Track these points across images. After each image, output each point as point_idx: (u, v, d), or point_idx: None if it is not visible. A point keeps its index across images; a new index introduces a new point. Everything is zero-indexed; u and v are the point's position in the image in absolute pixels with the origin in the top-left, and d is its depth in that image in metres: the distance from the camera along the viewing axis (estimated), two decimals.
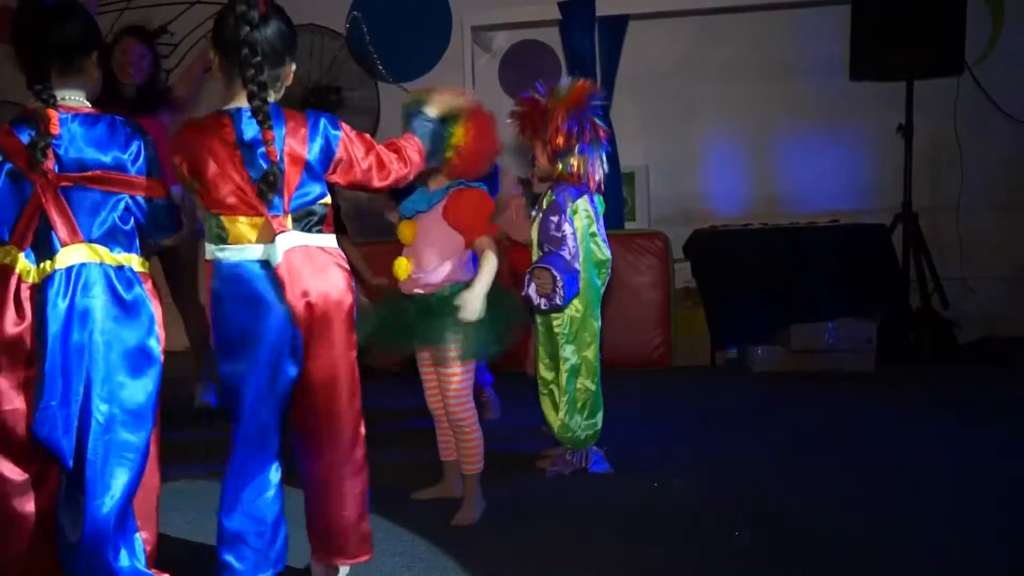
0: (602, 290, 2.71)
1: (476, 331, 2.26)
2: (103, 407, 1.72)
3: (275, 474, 1.86)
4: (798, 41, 4.88)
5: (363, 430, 1.91)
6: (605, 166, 2.65)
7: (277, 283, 1.75)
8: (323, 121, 1.82)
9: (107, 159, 1.77)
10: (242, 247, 1.77)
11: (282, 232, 1.75)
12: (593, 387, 2.68)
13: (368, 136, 1.92)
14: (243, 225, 1.76)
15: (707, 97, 5.03)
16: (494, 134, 2.36)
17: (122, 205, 1.80)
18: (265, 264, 1.76)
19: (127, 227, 1.82)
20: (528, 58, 5.19)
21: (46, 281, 1.72)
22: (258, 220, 1.76)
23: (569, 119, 2.55)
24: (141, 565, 1.78)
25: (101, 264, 1.75)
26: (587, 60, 4.71)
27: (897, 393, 3.72)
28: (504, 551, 2.18)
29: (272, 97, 1.80)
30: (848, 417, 3.35)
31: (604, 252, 2.67)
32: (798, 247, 4.34)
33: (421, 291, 2.32)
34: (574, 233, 2.56)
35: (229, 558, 1.81)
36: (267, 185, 1.71)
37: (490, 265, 2.28)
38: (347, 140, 1.85)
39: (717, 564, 2.05)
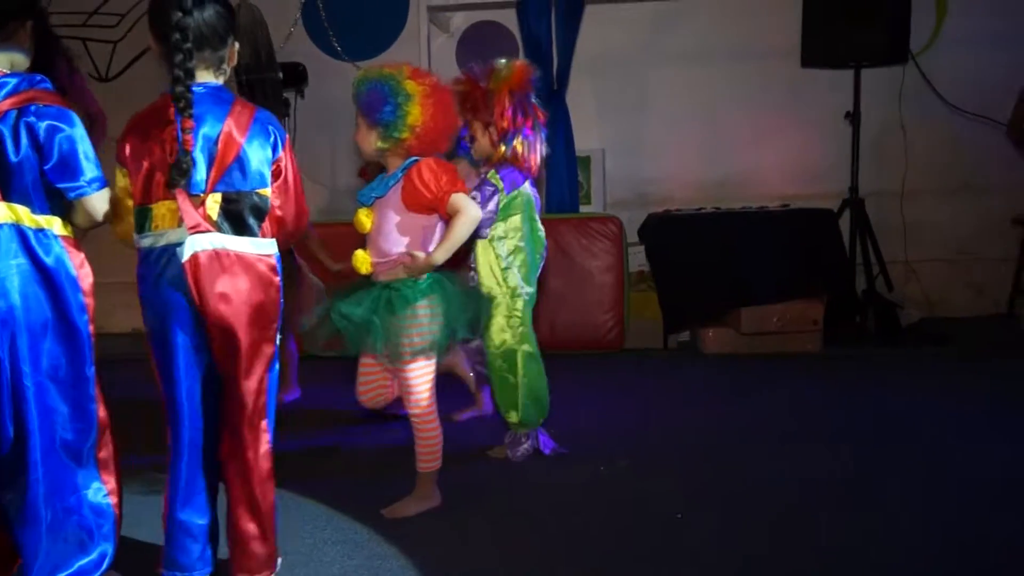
0: (538, 271, 2.74)
1: (437, 323, 2.21)
2: (31, 375, 1.72)
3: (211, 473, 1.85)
4: (751, 28, 4.94)
5: (266, 444, 1.86)
6: (544, 149, 2.64)
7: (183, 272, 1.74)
8: (272, 127, 1.82)
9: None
10: (161, 232, 1.76)
11: (197, 230, 1.73)
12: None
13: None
14: (165, 210, 1.75)
15: (662, 82, 5.08)
16: (453, 110, 2.31)
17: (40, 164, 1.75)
18: (179, 247, 1.74)
19: (48, 187, 1.76)
20: (485, 39, 5.17)
21: None
22: (175, 205, 1.74)
23: (514, 102, 2.53)
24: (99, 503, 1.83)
25: (17, 225, 1.71)
26: (544, 43, 4.71)
27: (843, 373, 3.83)
28: (447, 537, 2.18)
29: (219, 79, 1.82)
30: (795, 397, 3.44)
31: (541, 233, 2.71)
32: (749, 231, 4.41)
33: (385, 279, 2.25)
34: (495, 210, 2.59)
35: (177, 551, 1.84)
36: (179, 172, 1.70)
37: (458, 229, 2.19)
38: (287, 157, 1.85)
39: (661, 546, 2.09)
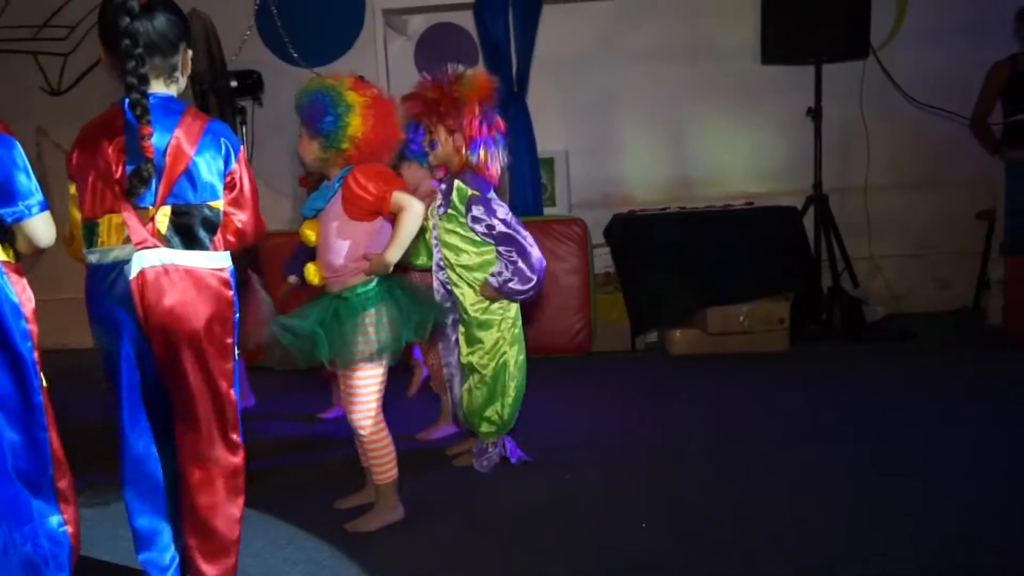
0: None
1: (384, 330, 2.18)
2: None
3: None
4: (712, 26, 4.94)
5: (235, 459, 1.81)
6: (505, 158, 2.63)
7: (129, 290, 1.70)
8: (225, 138, 1.77)
9: None
10: (107, 249, 1.72)
11: (143, 246, 1.68)
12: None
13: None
14: (111, 224, 1.71)
15: (624, 81, 5.05)
16: (395, 122, 2.28)
17: None
18: (125, 265, 1.70)
19: None
20: (444, 41, 5.11)
21: None
22: (121, 219, 1.70)
23: (482, 111, 2.54)
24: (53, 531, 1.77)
25: None
26: (502, 44, 4.67)
27: (810, 372, 3.81)
28: (411, 552, 2.14)
29: (171, 89, 1.78)
30: (763, 398, 3.41)
31: None
32: (714, 230, 4.40)
33: (336, 290, 2.24)
34: (508, 214, 2.56)
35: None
36: (139, 180, 1.66)
37: (405, 225, 2.17)
38: (241, 168, 1.81)
39: (628, 555, 2.05)
